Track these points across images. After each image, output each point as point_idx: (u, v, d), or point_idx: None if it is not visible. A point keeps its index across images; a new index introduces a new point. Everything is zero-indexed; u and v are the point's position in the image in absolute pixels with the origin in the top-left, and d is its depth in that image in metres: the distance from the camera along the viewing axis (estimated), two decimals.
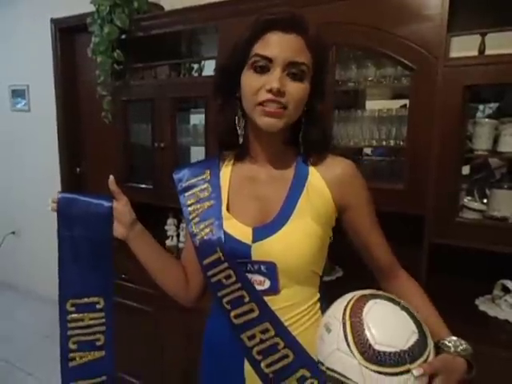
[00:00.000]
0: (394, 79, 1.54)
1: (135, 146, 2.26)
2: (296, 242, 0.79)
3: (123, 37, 2.03)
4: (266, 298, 0.80)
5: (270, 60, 0.74)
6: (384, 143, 1.56)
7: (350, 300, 0.72)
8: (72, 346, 0.88)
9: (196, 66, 2.20)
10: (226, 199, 0.85)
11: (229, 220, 0.83)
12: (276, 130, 0.77)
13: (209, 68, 2.14)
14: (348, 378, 0.66)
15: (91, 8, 2.04)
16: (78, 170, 3.08)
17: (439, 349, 0.72)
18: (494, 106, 1.48)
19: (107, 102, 2.13)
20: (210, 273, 0.82)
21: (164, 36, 1.98)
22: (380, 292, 0.75)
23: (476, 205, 1.43)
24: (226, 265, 0.80)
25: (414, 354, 0.64)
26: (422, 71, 1.36)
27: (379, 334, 0.66)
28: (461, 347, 0.72)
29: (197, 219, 0.85)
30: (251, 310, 0.80)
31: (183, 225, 2.17)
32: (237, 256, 0.80)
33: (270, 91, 0.73)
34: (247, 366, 0.81)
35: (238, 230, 0.81)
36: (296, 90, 0.75)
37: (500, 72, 1.23)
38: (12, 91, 3.32)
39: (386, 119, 1.55)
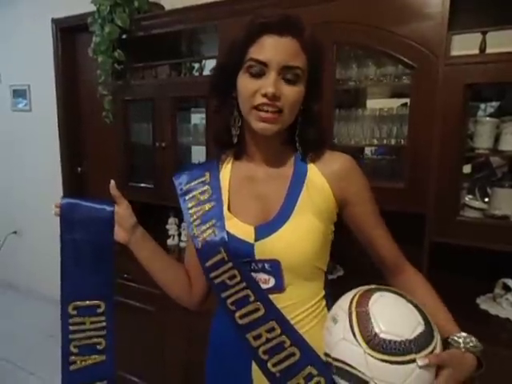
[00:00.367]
0: (394, 78, 1.53)
1: (136, 145, 2.26)
2: (298, 239, 0.79)
3: (124, 36, 2.03)
4: (271, 297, 0.80)
5: (265, 64, 0.74)
6: (385, 142, 1.56)
7: (356, 292, 0.74)
8: (73, 350, 0.88)
9: (197, 66, 2.20)
10: (227, 200, 0.86)
11: (230, 220, 0.83)
12: (271, 134, 0.78)
13: (209, 67, 2.14)
14: (353, 367, 0.67)
15: (92, 8, 2.04)
16: (79, 169, 3.09)
17: (449, 344, 0.72)
18: (495, 104, 1.48)
19: (108, 102, 2.14)
20: (213, 274, 0.82)
21: (164, 35, 1.98)
22: (387, 287, 0.76)
23: (477, 203, 1.43)
24: (230, 265, 0.80)
25: (420, 345, 0.64)
26: (423, 70, 1.36)
27: (385, 323, 0.66)
28: (471, 343, 0.72)
29: (198, 221, 0.85)
30: (256, 310, 0.80)
31: (184, 224, 2.18)
32: (240, 255, 0.80)
33: (265, 95, 0.74)
34: (255, 367, 0.81)
35: (240, 229, 0.81)
36: (291, 93, 0.76)
37: (501, 70, 1.23)
38: (13, 91, 3.33)
39: (387, 118, 1.55)
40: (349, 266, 1.74)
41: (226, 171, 0.89)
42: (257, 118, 0.76)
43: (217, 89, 0.85)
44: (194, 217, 0.86)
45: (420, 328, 0.66)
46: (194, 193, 0.88)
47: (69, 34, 2.87)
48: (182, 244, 2.19)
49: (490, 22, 1.32)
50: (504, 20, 1.26)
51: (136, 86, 2.12)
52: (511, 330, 1.32)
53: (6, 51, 3.31)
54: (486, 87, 1.45)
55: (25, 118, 3.31)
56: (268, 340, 0.79)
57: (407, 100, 1.47)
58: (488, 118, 1.35)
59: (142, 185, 2.17)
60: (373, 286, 0.74)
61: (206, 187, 0.88)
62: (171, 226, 2.22)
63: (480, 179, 1.50)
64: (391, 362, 0.63)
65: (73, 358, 0.88)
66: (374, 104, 1.72)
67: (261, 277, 0.81)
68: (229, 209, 0.85)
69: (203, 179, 0.89)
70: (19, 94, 3.29)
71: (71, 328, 0.88)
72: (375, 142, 1.59)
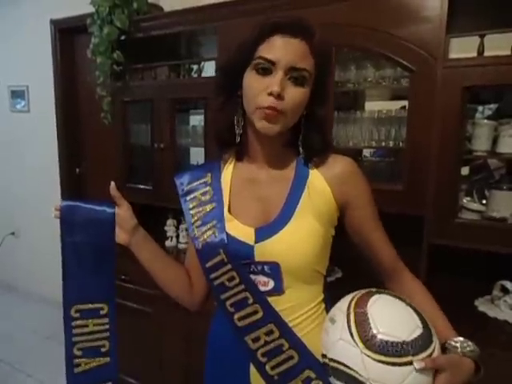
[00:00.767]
0: (393, 80, 1.54)
1: (134, 146, 2.26)
2: (298, 242, 0.79)
3: (123, 38, 2.03)
4: (270, 299, 0.80)
5: (272, 63, 0.74)
6: (383, 144, 1.56)
7: (355, 295, 0.74)
8: (77, 353, 0.88)
9: (195, 67, 2.20)
10: (228, 201, 0.86)
11: (231, 222, 0.83)
12: (273, 134, 0.78)
13: (208, 69, 2.15)
14: (350, 368, 0.66)
15: (91, 9, 2.04)
16: (77, 170, 3.08)
17: (446, 349, 0.72)
18: (493, 106, 1.49)
19: (107, 103, 2.14)
20: (212, 275, 0.82)
21: (163, 37, 1.98)
22: (386, 290, 0.75)
23: (475, 205, 1.43)
24: (229, 266, 0.80)
25: (418, 347, 0.64)
26: (421, 72, 1.36)
27: (383, 324, 0.66)
28: (468, 348, 0.72)
29: (199, 222, 0.85)
30: (255, 312, 0.80)
31: (183, 225, 2.17)
32: (240, 257, 0.80)
33: (270, 94, 0.74)
34: (253, 369, 0.81)
35: (240, 231, 0.81)
36: (296, 94, 0.76)
37: (499, 73, 1.23)
38: (11, 92, 3.32)
39: (386, 120, 1.55)
40: (347, 268, 1.74)
41: (228, 172, 0.89)
42: (260, 115, 0.76)
43: (223, 87, 0.85)
44: (195, 218, 0.86)
45: (418, 331, 0.66)
46: (196, 193, 0.88)
47: (68, 34, 2.87)
48: (180, 246, 2.19)
49: (488, 25, 1.33)
50: (502, 23, 1.27)
51: (135, 87, 2.13)
52: (509, 332, 1.32)
53: (5, 52, 3.31)
54: (484, 90, 1.46)
55: (23, 119, 3.30)
56: (266, 342, 0.79)
57: (406, 102, 1.48)
58: (486, 121, 1.36)
59: (141, 186, 2.16)
60: (373, 289, 0.74)
61: (208, 188, 0.88)
62: (169, 227, 2.22)
63: (478, 181, 1.51)
64: (387, 363, 0.63)
65: (77, 360, 0.88)
66: (372, 106, 1.72)
67: (260, 279, 0.81)
68: (229, 210, 0.85)
69: (205, 180, 0.89)
70: (18, 94, 3.28)
71: (74, 331, 0.87)
72: (374, 144, 1.59)
